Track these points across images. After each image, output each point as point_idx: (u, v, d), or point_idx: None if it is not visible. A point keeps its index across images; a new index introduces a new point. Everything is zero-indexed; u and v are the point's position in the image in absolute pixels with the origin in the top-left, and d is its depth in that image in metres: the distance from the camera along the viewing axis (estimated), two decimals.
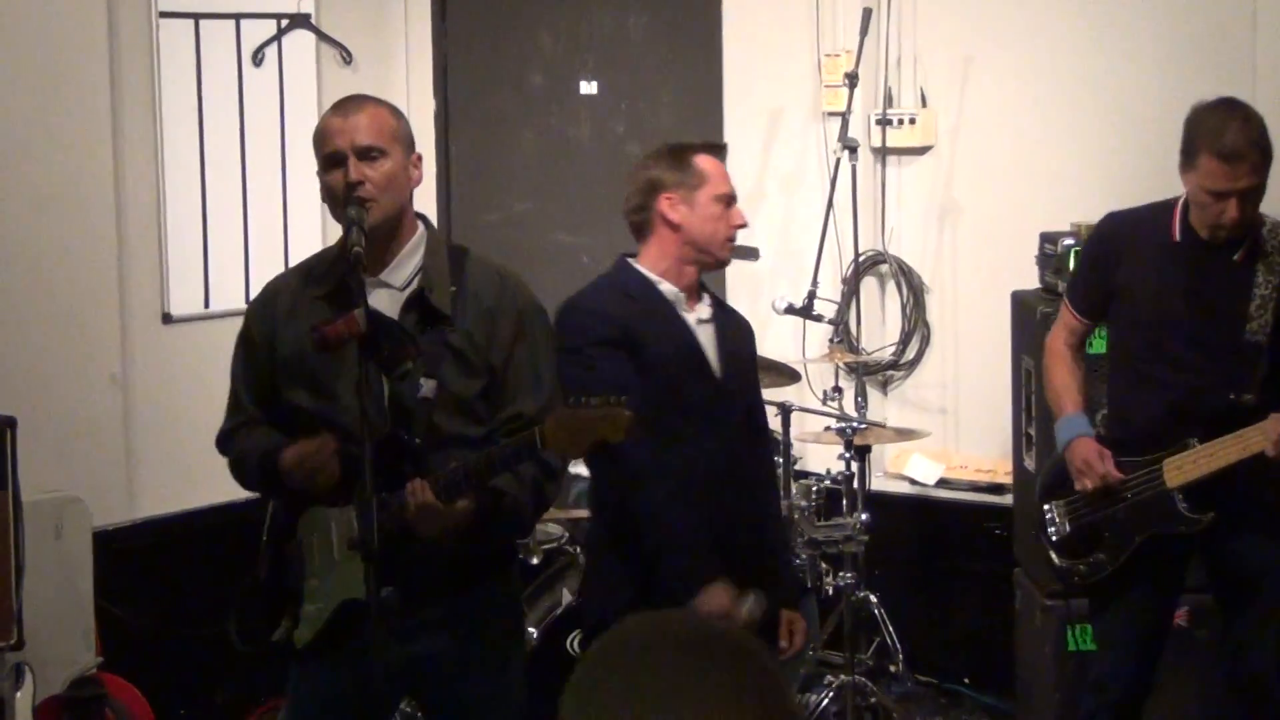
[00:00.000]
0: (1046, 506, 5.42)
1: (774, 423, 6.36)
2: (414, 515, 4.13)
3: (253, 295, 4.85)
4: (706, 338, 4.95)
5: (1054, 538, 5.40)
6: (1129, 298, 5.28)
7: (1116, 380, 5.47)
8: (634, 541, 4.73)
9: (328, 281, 4.35)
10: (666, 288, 4.93)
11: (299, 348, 4.33)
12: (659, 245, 4.98)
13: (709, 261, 4.99)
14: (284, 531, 4.43)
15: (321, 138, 4.33)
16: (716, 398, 4.89)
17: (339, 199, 4.25)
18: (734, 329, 5.10)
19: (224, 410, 4.62)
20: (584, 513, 6.78)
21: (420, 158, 4.45)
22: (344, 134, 4.27)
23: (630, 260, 5.03)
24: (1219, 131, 4.98)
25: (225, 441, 4.59)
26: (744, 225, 5.02)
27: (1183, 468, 5.13)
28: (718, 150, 5.15)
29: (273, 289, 4.54)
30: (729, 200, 4.97)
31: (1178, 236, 5.18)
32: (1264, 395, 5.12)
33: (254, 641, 4.46)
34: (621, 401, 4.02)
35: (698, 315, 4.97)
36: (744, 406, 5.04)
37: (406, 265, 4.38)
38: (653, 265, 4.97)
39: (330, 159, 4.28)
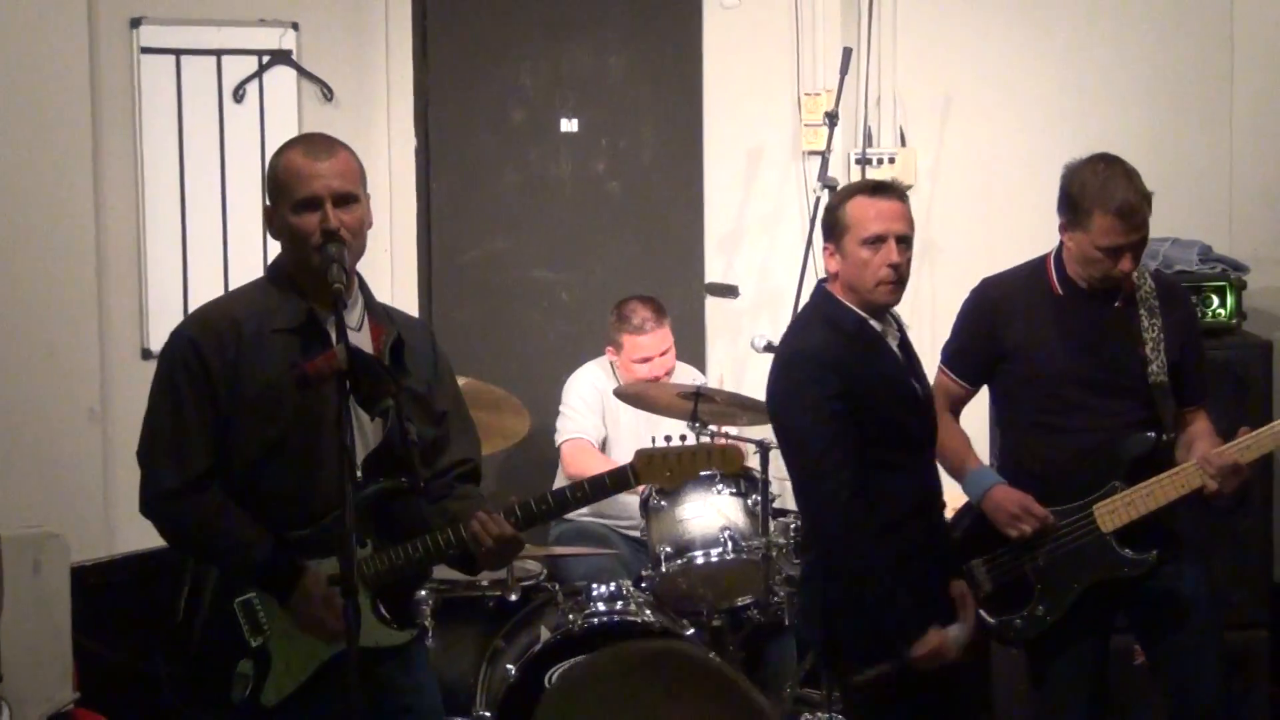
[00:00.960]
0: (966, 566, 5.38)
1: (752, 460, 6.38)
2: (492, 547, 4.19)
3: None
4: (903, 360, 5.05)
5: (979, 596, 5.37)
6: (1024, 355, 5.32)
7: (1011, 435, 5.49)
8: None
9: (289, 316, 4.31)
10: (873, 323, 4.97)
11: (266, 383, 4.24)
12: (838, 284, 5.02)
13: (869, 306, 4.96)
14: (230, 588, 4.28)
15: (294, 180, 4.26)
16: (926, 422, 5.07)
17: (310, 240, 4.24)
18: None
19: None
20: (564, 550, 6.80)
21: (370, 197, 4.43)
22: (321, 179, 4.23)
23: (833, 290, 5.02)
24: (1110, 189, 5.06)
25: (176, 499, 4.29)
26: (894, 264, 4.86)
27: (1115, 511, 5.16)
28: (873, 190, 4.99)
29: (225, 319, 4.32)
30: (876, 241, 4.87)
31: (1059, 290, 5.24)
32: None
33: (190, 698, 4.38)
34: (735, 442, 4.26)
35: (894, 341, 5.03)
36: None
37: (356, 308, 4.38)
38: (847, 298, 5.00)
39: (306, 202, 4.24)
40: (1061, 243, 5.23)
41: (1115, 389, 5.21)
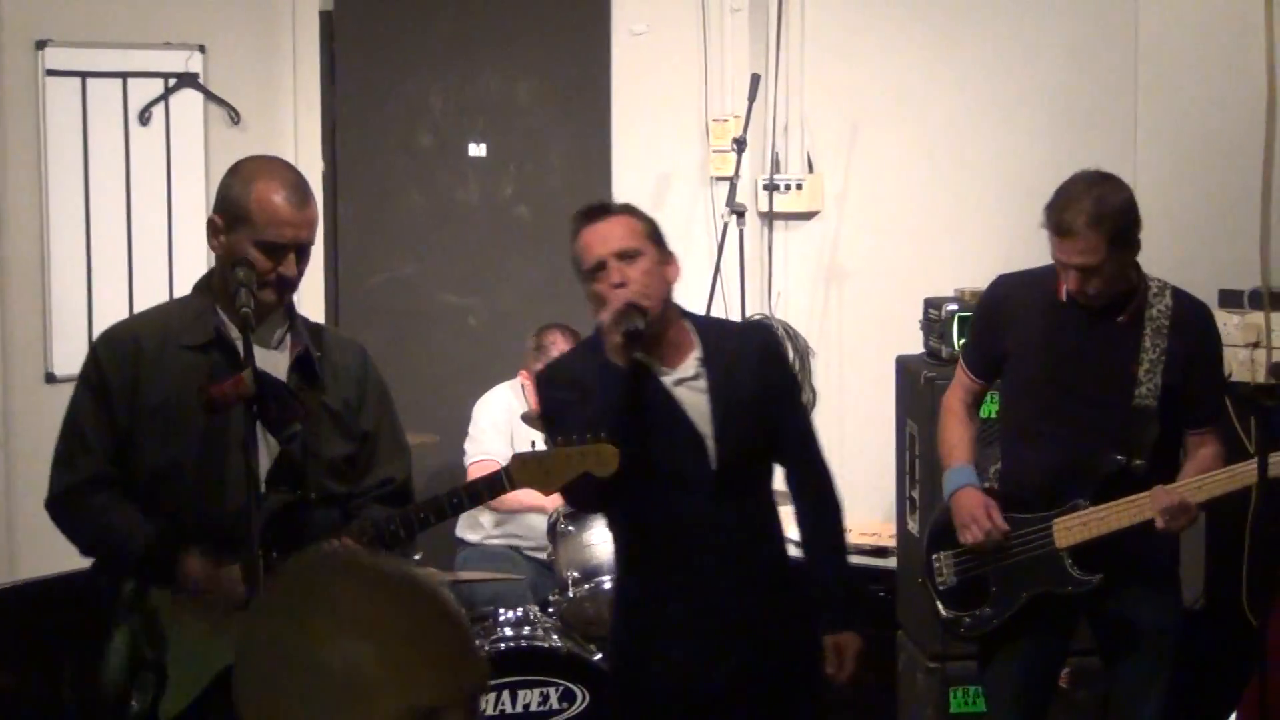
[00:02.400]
0: (934, 556, 5.43)
1: None
2: None
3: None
4: (690, 400, 4.67)
5: (940, 588, 5.41)
6: (1020, 358, 5.32)
7: (1008, 439, 5.51)
8: None
9: (197, 333, 4.31)
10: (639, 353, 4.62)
11: (166, 398, 4.26)
12: None
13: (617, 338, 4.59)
14: (132, 601, 4.31)
15: (269, 218, 4.22)
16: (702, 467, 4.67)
17: (236, 272, 4.22)
18: (736, 373, 4.73)
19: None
20: (469, 575, 6.77)
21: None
22: (295, 230, 4.26)
23: None
24: (1061, 205, 5.04)
25: (67, 499, 4.35)
26: (620, 284, 4.52)
27: (1071, 529, 5.17)
28: (589, 216, 4.70)
29: (128, 335, 4.37)
30: (598, 269, 4.59)
31: (1064, 297, 5.23)
32: (1155, 460, 5.18)
33: (95, 713, 4.37)
34: (601, 438, 4.19)
35: (678, 375, 4.69)
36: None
37: (280, 327, 4.38)
38: None
39: (271, 247, 4.22)
40: None
41: (1098, 404, 5.20)
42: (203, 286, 4.43)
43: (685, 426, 4.62)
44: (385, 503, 4.52)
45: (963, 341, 5.68)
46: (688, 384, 4.67)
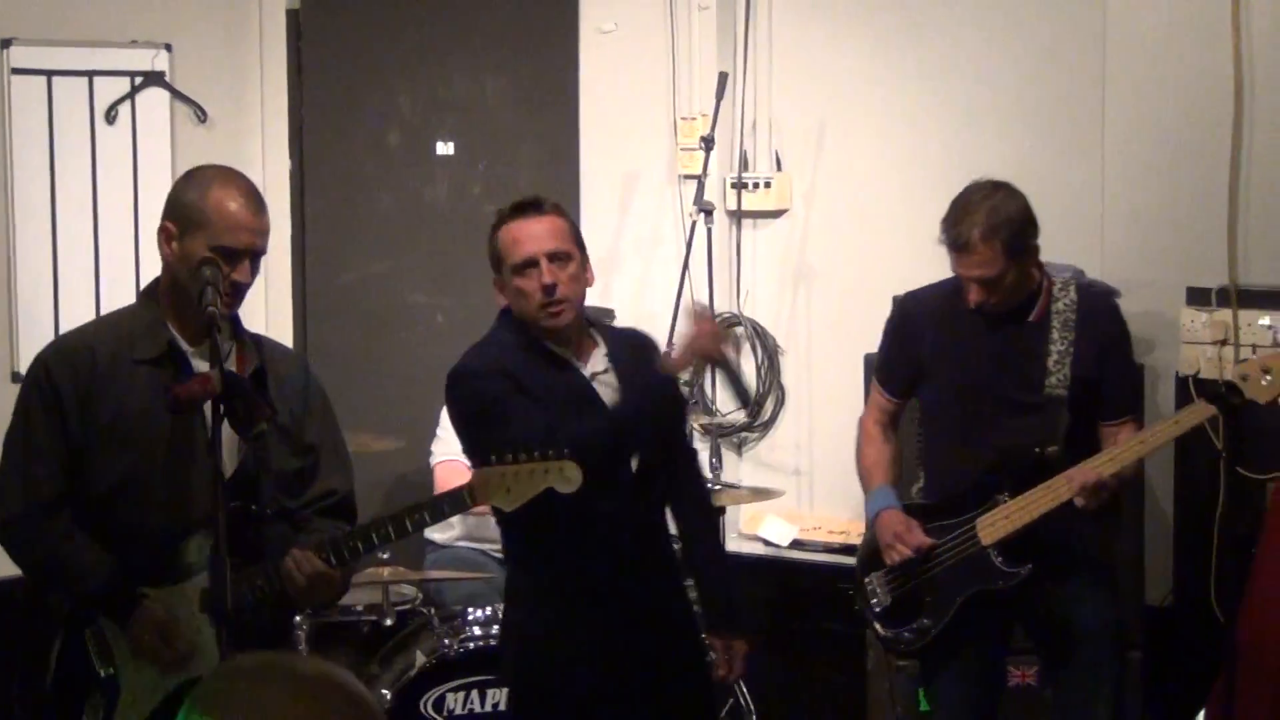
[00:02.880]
0: (867, 579, 5.46)
1: None
2: (304, 585, 4.15)
3: None
4: (603, 395, 4.78)
5: (877, 609, 5.44)
6: (935, 369, 5.38)
7: (931, 448, 5.55)
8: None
9: (149, 346, 4.27)
10: (554, 347, 4.78)
11: (120, 413, 4.21)
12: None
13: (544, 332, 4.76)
14: (81, 618, 4.26)
15: (223, 223, 4.21)
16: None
17: (194, 269, 4.20)
18: (636, 370, 4.83)
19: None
20: (438, 574, 6.76)
21: None
22: (249, 235, 4.24)
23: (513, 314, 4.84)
24: (955, 220, 5.10)
25: (25, 523, 4.24)
26: (551, 284, 4.65)
27: (995, 524, 5.21)
28: (523, 209, 4.82)
29: (81, 346, 4.30)
30: (528, 265, 4.71)
31: (972, 304, 5.26)
32: (1070, 448, 5.22)
33: None
34: (565, 454, 4.19)
35: (590, 369, 4.81)
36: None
37: (225, 339, 4.33)
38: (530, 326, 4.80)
39: (228, 252, 4.20)
40: None
41: (1023, 406, 5.25)
42: (150, 295, 4.39)
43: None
44: (328, 515, 4.50)
45: (876, 361, 5.67)
46: (600, 379, 4.79)
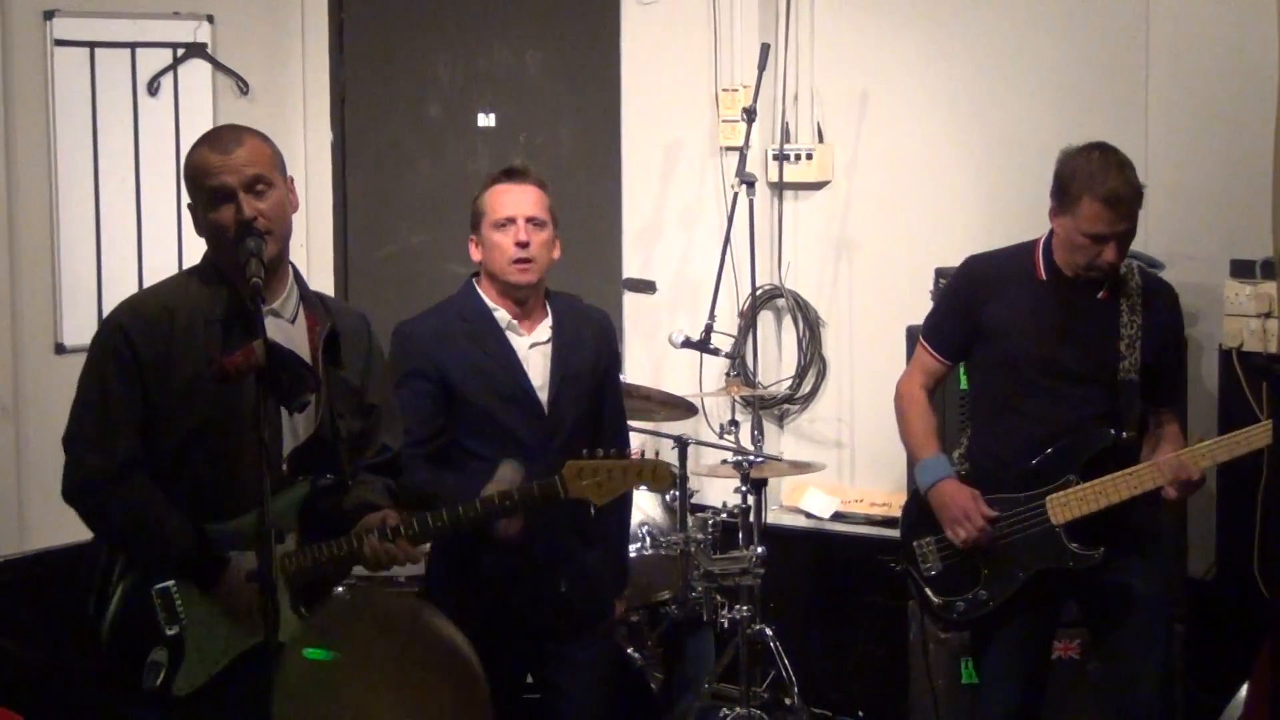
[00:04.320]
0: (916, 544, 5.42)
1: (670, 456, 6.38)
2: (380, 561, 4.21)
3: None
4: (537, 361, 5.17)
5: (929, 574, 5.40)
6: (998, 336, 5.34)
7: (982, 417, 5.51)
8: None
9: (217, 306, 4.27)
10: (500, 314, 5.21)
11: (198, 371, 4.17)
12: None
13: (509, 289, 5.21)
14: (148, 576, 4.24)
15: (201, 174, 4.24)
16: (536, 425, 5.14)
17: (228, 234, 4.20)
18: (578, 346, 5.27)
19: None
20: None
21: (293, 180, 4.40)
22: (228, 170, 4.20)
23: (474, 282, 5.31)
24: (1101, 177, 5.07)
25: (103, 484, 4.22)
26: (521, 243, 5.15)
27: (1069, 504, 5.19)
28: (510, 174, 5.31)
29: (158, 307, 4.28)
30: (507, 223, 5.18)
31: (1044, 275, 5.26)
32: (1137, 433, 5.24)
33: (102, 687, 4.32)
34: (659, 459, 4.36)
35: (532, 339, 5.21)
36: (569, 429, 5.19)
37: (292, 296, 4.36)
38: (486, 290, 5.27)
39: (217, 195, 4.22)
40: (1051, 229, 5.25)
41: (1084, 379, 5.24)
42: (206, 266, 4.40)
43: (526, 390, 5.14)
44: (377, 472, 4.52)
45: (925, 322, 5.64)
46: (538, 347, 5.20)
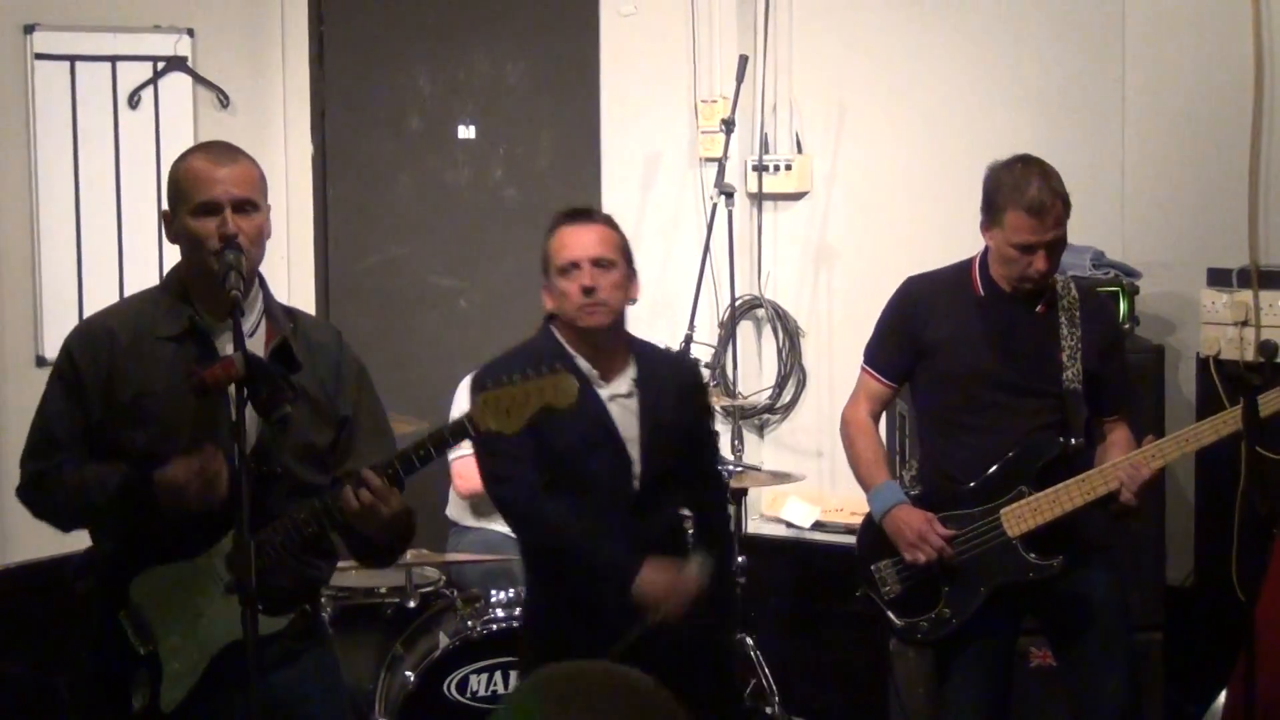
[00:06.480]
0: (874, 567, 5.41)
1: None
2: (367, 504, 4.18)
3: None
4: (618, 415, 4.92)
5: (889, 597, 5.40)
6: (940, 353, 5.35)
7: (931, 437, 5.52)
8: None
9: (171, 324, 4.30)
10: (581, 362, 4.89)
11: (143, 390, 4.24)
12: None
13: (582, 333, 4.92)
14: (113, 601, 4.29)
15: (193, 184, 4.25)
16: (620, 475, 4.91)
17: (208, 244, 4.23)
18: (665, 397, 4.99)
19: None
20: (459, 557, 6.79)
21: (270, 208, 4.41)
22: (221, 185, 4.22)
23: (551, 326, 5.00)
24: (1024, 187, 5.10)
25: (38, 481, 4.35)
26: (587, 289, 4.83)
27: (1023, 517, 5.19)
28: (574, 216, 5.01)
29: (102, 328, 4.35)
30: (572, 268, 4.88)
31: (981, 291, 5.29)
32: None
33: (91, 711, 4.38)
34: (557, 367, 4.21)
35: (611, 390, 4.92)
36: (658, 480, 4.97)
37: (253, 312, 4.37)
38: (565, 336, 4.96)
39: (205, 206, 4.23)
40: (986, 245, 5.28)
41: (1029, 391, 5.25)
42: (168, 283, 4.43)
43: (614, 442, 4.88)
44: None
45: (867, 347, 5.64)
46: (620, 400, 4.92)
